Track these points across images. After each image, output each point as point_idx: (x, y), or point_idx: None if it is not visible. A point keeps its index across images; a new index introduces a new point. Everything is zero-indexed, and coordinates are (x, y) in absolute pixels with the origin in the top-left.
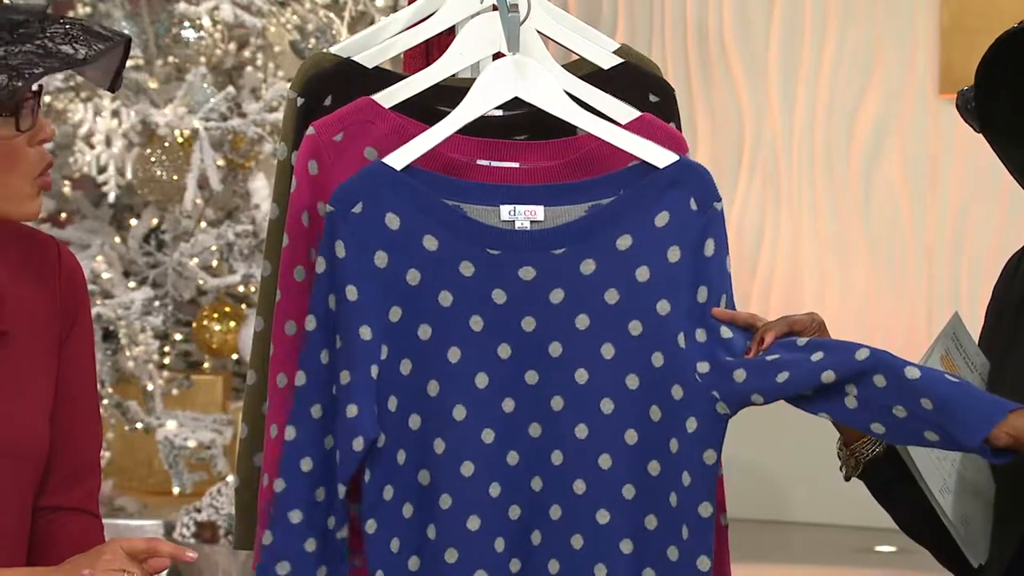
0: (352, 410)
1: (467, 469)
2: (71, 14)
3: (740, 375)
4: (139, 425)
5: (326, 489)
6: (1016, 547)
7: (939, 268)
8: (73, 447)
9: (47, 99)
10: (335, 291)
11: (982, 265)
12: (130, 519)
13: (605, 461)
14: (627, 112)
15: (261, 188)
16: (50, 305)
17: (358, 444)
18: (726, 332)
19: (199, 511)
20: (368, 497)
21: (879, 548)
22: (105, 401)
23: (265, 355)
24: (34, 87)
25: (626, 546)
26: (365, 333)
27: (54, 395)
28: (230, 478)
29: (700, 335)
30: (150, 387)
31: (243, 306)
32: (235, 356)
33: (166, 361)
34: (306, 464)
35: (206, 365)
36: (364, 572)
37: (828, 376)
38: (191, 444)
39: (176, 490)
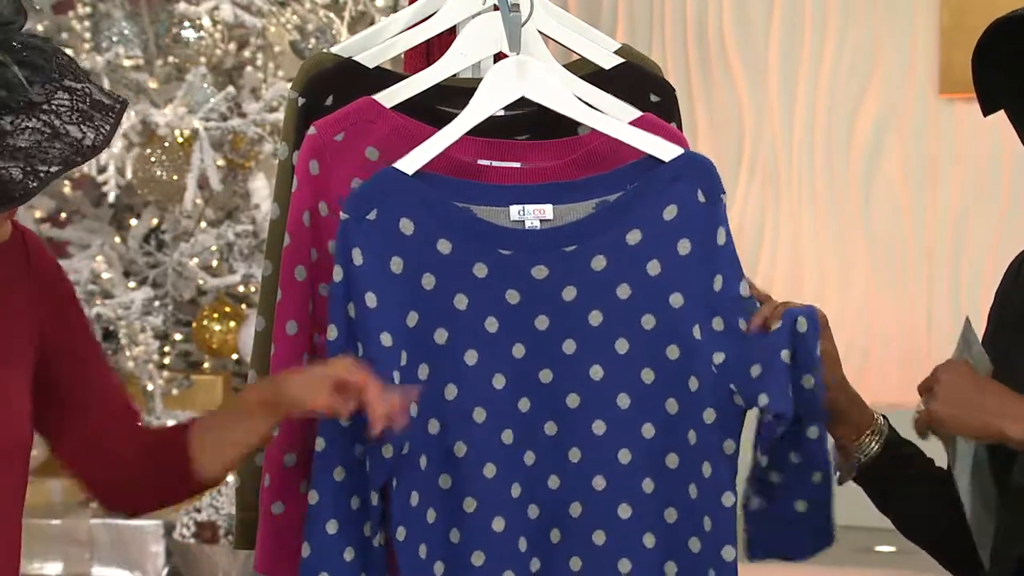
0: None
1: (489, 471)
2: (71, 14)
3: (756, 370)
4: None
5: (360, 497)
6: (1015, 568)
7: (939, 268)
8: (113, 398)
9: None
10: (354, 299)
11: (982, 265)
12: (130, 519)
13: (624, 456)
14: (628, 112)
15: (261, 188)
16: (24, 297)
17: (388, 451)
18: (744, 324)
19: (199, 511)
20: (397, 504)
21: (879, 548)
22: None
23: (266, 355)
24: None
25: (648, 540)
26: (386, 340)
27: (68, 372)
28: (230, 478)
29: (717, 324)
30: (150, 387)
31: (243, 306)
32: (235, 356)
33: (166, 361)
34: (339, 474)
35: (206, 365)
36: None
37: (813, 432)
38: None
39: None
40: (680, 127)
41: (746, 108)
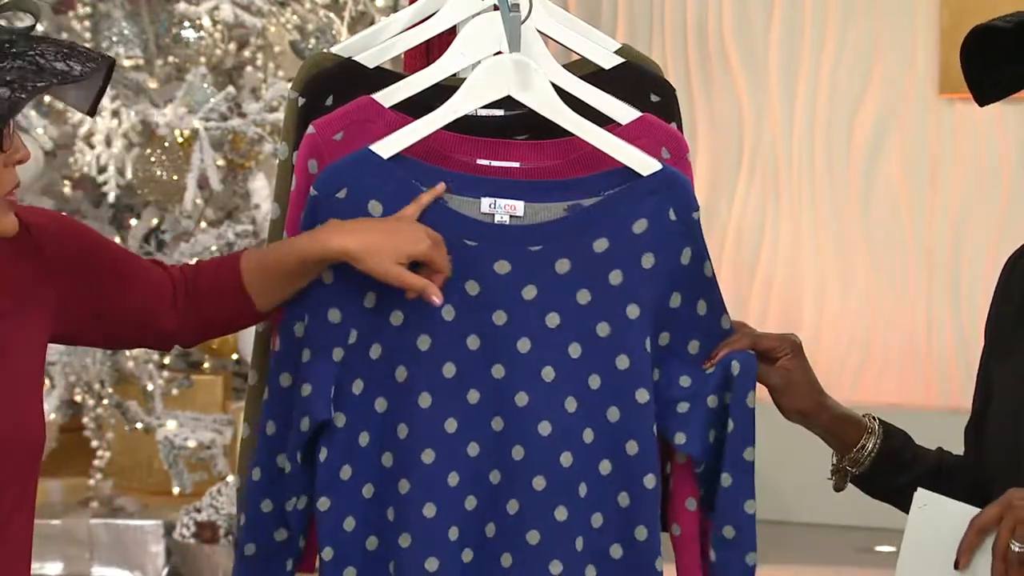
0: (306, 389)
1: (427, 456)
2: (71, 14)
3: (683, 407)
4: (139, 425)
5: (286, 456)
6: None
7: (939, 268)
8: (154, 284)
9: (46, 98)
10: None
11: (982, 265)
12: (130, 519)
13: (566, 459)
14: (628, 112)
15: (261, 188)
16: (35, 279)
17: (305, 424)
18: (694, 347)
19: (199, 511)
20: (323, 475)
21: (879, 548)
22: (105, 401)
23: (266, 355)
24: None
25: (579, 543)
26: (334, 316)
27: (109, 296)
28: (230, 478)
29: (663, 339)
30: (150, 387)
31: None
32: (235, 356)
33: (166, 361)
34: (270, 427)
35: (206, 365)
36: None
37: (726, 479)
38: (191, 444)
39: (176, 490)
40: (680, 127)
41: (746, 108)
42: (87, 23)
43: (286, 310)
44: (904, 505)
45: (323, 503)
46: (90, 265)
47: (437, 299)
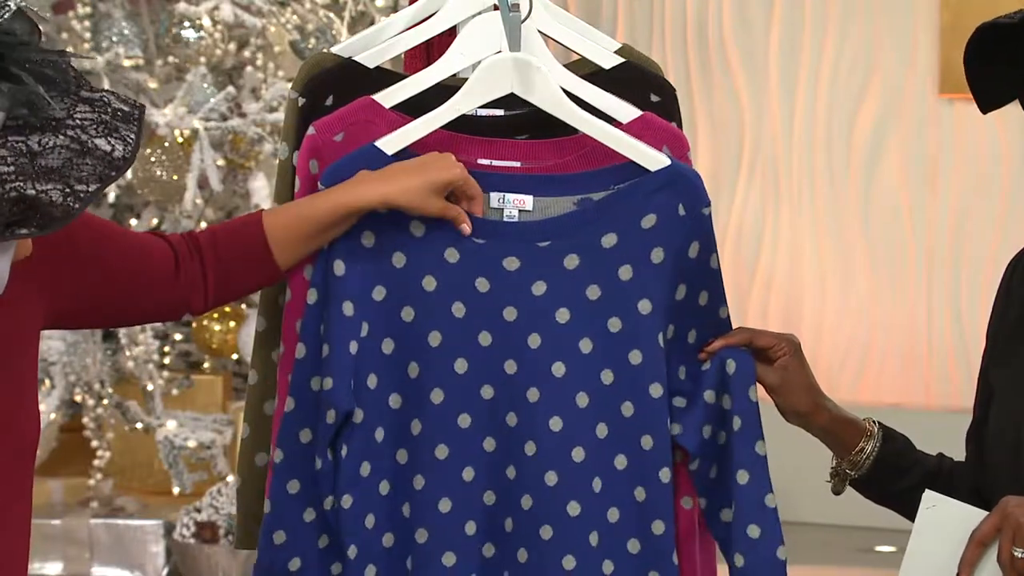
0: (327, 383)
1: (441, 452)
2: (71, 14)
3: (680, 401)
4: (139, 425)
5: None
6: None
7: (939, 268)
8: (152, 251)
9: None
10: (325, 265)
11: (982, 265)
12: (130, 519)
13: (578, 454)
14: (628, 111)
15: (261, 188)
16: (24, 272)
17: (331, 416)
18: (692, 336)
19: (199, 511)
20: (345, 472)
21: (879, 548)
22: (105, 401)
23: (267, 355)
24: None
25: (593, 538)
26: (347, 309)
27: (106, 276)
28: (230, 478)
29: (670, 331)
30: (150, 387)
31: (243, 306)
32: (235, 356)
33: (166, 361)
34: (305, 435)
35: (206, 365)
36: None
37: (742, 476)
38: (191, 444)
39: (176, 490)
40: (680, 127)
41: (746, 108)
42: (87, 23)
43: (307, 313)
44: (903, 509)
45: (346, 500)
46: (80, 249)
47: (468, 227)
